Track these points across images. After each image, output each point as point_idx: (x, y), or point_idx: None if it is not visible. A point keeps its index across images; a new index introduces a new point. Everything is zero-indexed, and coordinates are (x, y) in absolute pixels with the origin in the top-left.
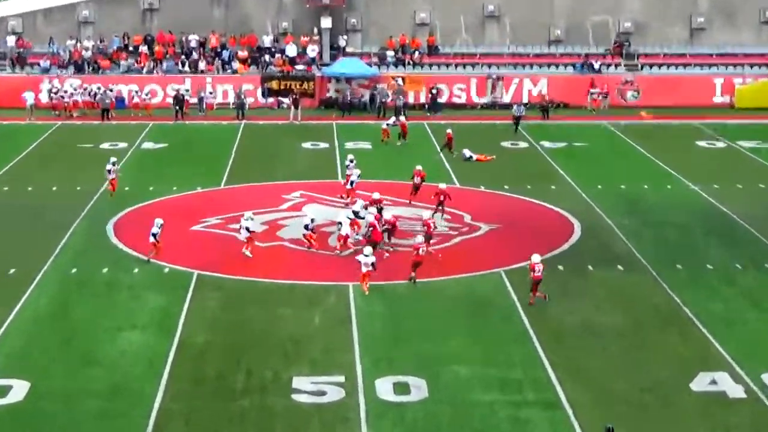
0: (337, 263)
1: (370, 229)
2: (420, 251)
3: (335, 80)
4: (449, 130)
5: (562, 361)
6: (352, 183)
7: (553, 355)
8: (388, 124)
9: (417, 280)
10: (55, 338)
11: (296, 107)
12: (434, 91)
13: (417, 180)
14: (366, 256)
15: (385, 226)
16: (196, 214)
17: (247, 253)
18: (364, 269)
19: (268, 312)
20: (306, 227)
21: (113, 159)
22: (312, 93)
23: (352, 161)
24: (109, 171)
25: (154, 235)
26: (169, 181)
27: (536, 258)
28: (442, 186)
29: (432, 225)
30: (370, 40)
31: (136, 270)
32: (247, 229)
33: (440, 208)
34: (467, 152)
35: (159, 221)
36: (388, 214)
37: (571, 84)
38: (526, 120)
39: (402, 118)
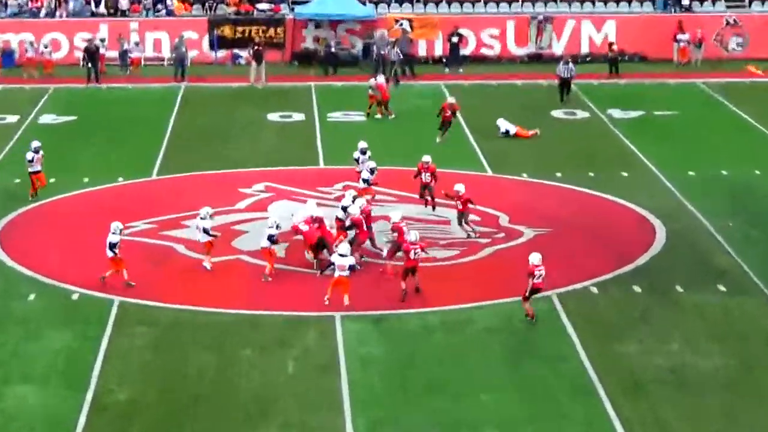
0: (318, 286)
1: (356, 231)
2: (413, 254)
3: (314, 25)
4: (451, 99)
5: (640, 419)
6: (366, 182)
7: (627, 412)
8: (372, 88)
9: (420, 289)
10: None
11: (259, 63)
12: (454, 39)
13: (426, 177)
14: (342, 256)
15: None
16: (116, 217)
17: (207, 264)
18: (338, 273)
19: (221, 356)
20: (270, 238)
21: (36, 144)
22: (281, 43)
23: (364, 152)
24: (32, 161)
25: (112, 246)
26: (77, 170)
27: (536, 258)
28: (460, 189)
29: (406, 231)
30: None
31: (31, 296)
32: (206, 231)
33: (463, 218)
34: (504, 124)
35: (117, 225)
36: (396, 215)
37: (651, 28)
38: (586, 79)
39: (380, 78)
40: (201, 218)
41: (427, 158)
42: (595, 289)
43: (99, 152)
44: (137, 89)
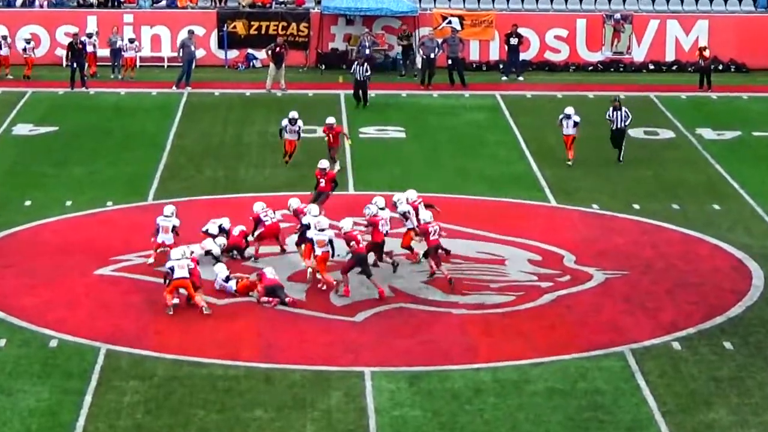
0: (344, 334)
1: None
2: (432, 231)
3: (345, 21)
4: (330, 119)
5: None
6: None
7: None
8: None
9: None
10: None
11: (278, 66)
12: (513, 41)
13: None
14: (321, 231)
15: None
16: (104, 249)
17: (203, 304)
18: (318, 251)
19: (227, 418)
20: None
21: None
22: (305, 42)
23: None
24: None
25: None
26: (58, 192)
27: (427, 215)
28: (410, 197)
29: (384, 222)
30: None
31: (1, 343)
32: (215, 257)
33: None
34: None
35: (171, 208)
36: (347, 223)
37: (750, 30)
38: (671, 92)
39: (365, 68)
40: (209, 241)
41: (323, 164)
42: (677, 345)
43: (84, 171)
44: (131, 95)
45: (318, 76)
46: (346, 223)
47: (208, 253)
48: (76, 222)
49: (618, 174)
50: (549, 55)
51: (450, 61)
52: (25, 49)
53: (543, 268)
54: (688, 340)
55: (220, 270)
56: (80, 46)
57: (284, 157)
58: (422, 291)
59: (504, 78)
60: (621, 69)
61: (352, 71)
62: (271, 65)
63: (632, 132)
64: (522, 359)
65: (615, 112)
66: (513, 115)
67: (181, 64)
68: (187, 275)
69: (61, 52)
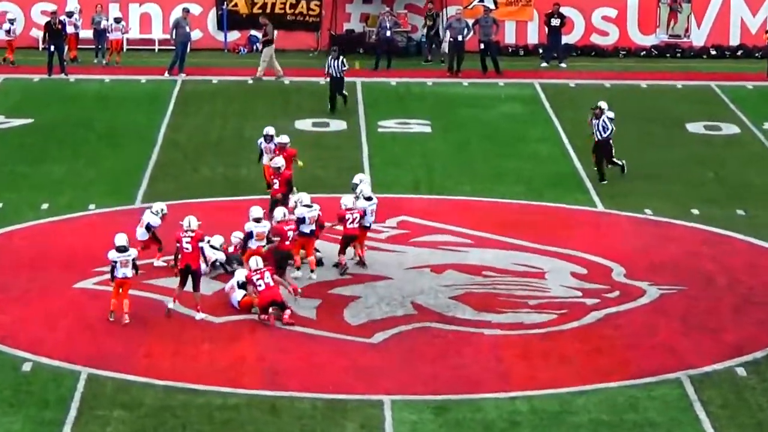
0: (362, 354)
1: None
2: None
3: None
4: (284, 139)
5: None
6: (365, 225)
7: None
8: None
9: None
10: None
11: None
12: (555, 22)
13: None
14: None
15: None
16: (85, 259)
17: (201, 315)
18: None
19: None
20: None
21: None
22: (316, 23)
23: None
24: None
25: (149, 228)
26: (33, 193)
27: (348, 201)
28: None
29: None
30: None
31: None
32: (222, 264)
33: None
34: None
35: (161, 206)
36: (279, 213)
37: None
38: (736, 81)
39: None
40: (206, 242)
41: (277, 162)
42: (742, 371)
43: (63, 169)
44: (117, 83)
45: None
46: (278, 213)
47: (213, 264)
48: (53, 228)
49: (674, 174)
50: (595, 39)
51: (482, 45)
52: (9, 31)
53: (588, 282)
54: (755, 365)
55: (239, 274)
56: (59, 26)
57: (268, 188)
58: (450, 308)
59: (544, 64)
60: (678, 54)
61: (326, 68)
62: (266, 49)
63: (691, 126)
64: (563, 387)
65: (594, 121)
66: (554, 107)
67: (174, 47)
68: (130, 274)
69: (38, 33)
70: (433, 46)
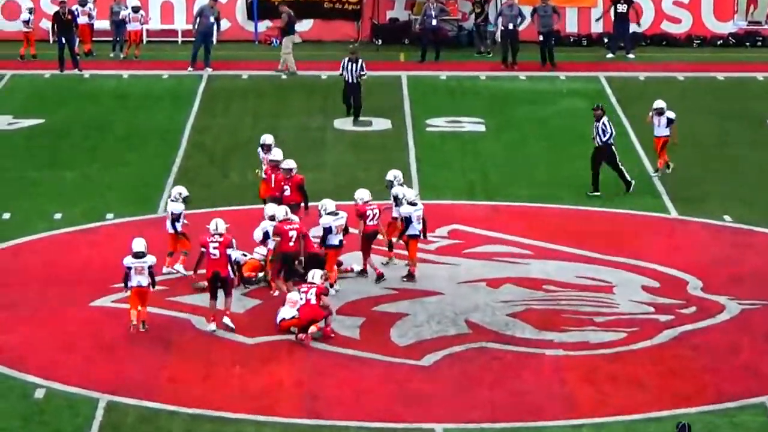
0: (411, 378)
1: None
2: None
3: None
4: (289, 164)
5: None
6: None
7: None
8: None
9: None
10: None
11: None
12: (621, 9)
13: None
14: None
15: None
16: (102, 274)
17: (219, 324)
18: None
19: None
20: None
21: None
22: (357, 11)
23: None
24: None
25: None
26: (45, 201)
27: (365, 193)
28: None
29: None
30: None
31: None
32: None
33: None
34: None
35: (179, 190)
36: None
37: None
38: None
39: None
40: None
41: (289, 163)
42: None
43: (78, 175)
44: (136, 79)
45: (373, 53)
46: (280, 212)
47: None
48: (66, 240)
49: (756, 177)
50: (667, 26)
51: (542, 37)
52: (27, 21)
53: (661, 297)
54: None
55: (293, 296)
56: (69, 16)
57: (264, 203)
58: (508, 326)
59: (610, 55)
60: (758, 43)
61: (340, 69)
62: (286, 39)
63: None
64: (634, 413)
65: (595, 124)
66: (621, 103)
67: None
68: (145, 283)
69: (47, 25)
70: (482, 35)
